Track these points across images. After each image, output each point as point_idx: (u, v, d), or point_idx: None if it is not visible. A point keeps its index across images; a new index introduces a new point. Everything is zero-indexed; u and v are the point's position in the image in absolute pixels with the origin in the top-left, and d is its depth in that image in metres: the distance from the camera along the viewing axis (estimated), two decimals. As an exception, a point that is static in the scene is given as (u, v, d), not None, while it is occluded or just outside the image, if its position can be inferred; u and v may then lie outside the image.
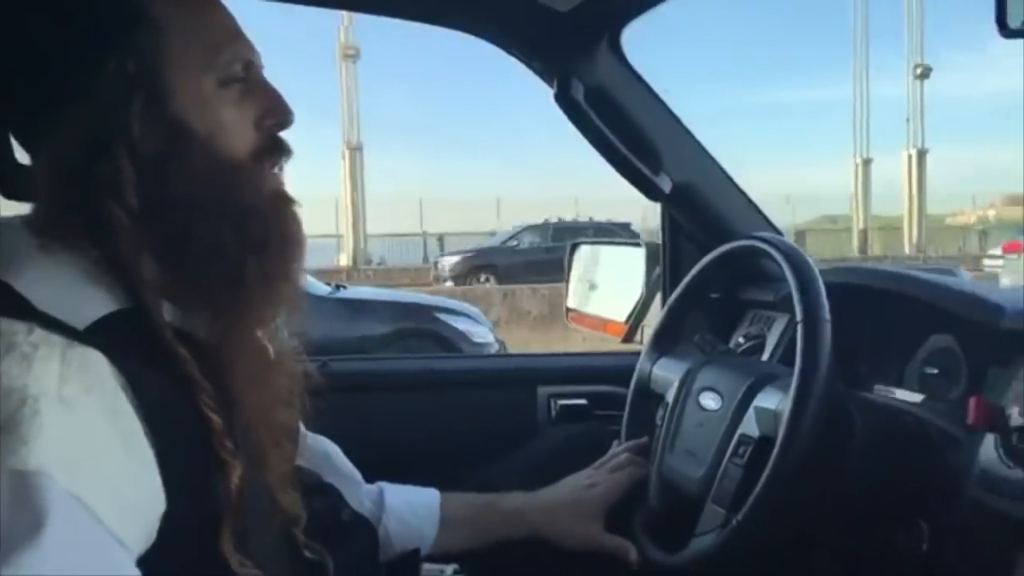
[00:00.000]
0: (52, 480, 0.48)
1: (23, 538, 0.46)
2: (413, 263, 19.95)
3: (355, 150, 21.48)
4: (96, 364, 0.55)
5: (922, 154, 23.76)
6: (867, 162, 24.41)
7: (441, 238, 22.19)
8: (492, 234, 19.90)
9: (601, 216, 16.97)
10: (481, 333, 5.97)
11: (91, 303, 0.58)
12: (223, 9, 0.69)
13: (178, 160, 0.63)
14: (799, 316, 0.89)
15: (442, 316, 5.95)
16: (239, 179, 0.66)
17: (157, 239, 0.62)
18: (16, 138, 0.67)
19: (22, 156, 0.68)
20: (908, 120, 23.81)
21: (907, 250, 22.63)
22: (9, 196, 0.68)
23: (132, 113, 0.61)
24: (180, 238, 0.63)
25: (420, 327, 5.85)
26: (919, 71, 23.76)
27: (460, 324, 5.91)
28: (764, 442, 0.89)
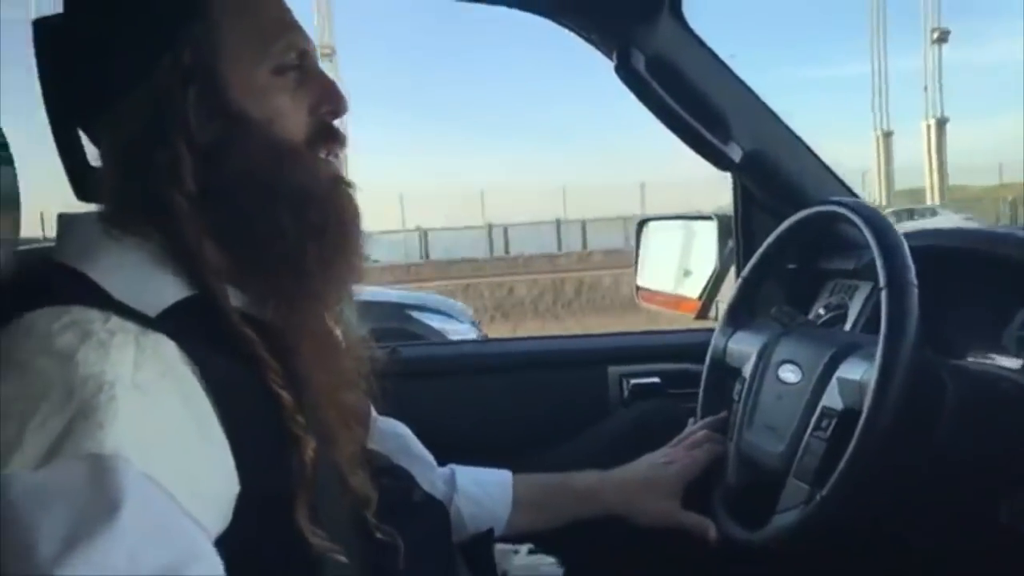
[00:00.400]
0: (128, 463, 0.49)
1: (100, 519, 0.47)
2: (397, 260, 19.14)
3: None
4: (167, 350, 0.56)
5: (941, 123, 22.55)
6: (887, 135, 23.24)
7: (425, 234, 21.84)
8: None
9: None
10: (460, 331, 5.69)
11: (161, 291, 0.60)
12: None
13: (236, 147, 0.64)
14: (883, 281, 0.84)
15: (415, 314, 5.70)
16: (296, 163, 0.66)
17: (218, 225, 0.63)
18: (84, 133, 0.69)
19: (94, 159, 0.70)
20: (926, 88, 22.59)
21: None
22: (82, 197, 0.70)
23: (188, 103, 0.62)
24: (240, 224, 0.64)
25: (392, 326, 5.47)
26: (936, 35, 22.46)
27: (435, 322, 5.67)
28: (848, 414, 0.85)
